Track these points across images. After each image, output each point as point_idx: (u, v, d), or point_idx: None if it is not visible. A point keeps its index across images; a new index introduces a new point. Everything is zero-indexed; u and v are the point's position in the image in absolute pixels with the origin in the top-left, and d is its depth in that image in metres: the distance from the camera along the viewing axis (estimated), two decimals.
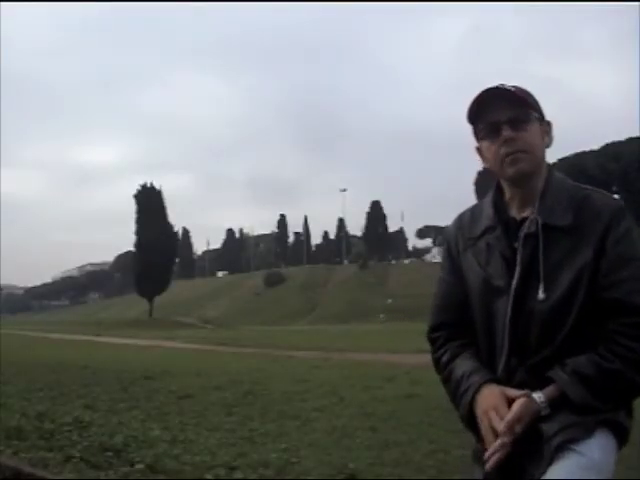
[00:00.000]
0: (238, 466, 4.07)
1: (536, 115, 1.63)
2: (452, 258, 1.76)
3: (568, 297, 1.53)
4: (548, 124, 1.67)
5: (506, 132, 1.59)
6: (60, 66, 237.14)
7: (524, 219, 1.62)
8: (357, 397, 7.46)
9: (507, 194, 1.68)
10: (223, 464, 4.08)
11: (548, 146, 1.66)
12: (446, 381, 1.70)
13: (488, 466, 1.49)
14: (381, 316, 58.17)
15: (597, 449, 1.47)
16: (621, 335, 1.48)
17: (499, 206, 1.69)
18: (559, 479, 1.43)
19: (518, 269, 1.59)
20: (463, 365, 1.65)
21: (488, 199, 1.73)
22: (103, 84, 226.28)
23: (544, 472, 1.45)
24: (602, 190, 1.65)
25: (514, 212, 1.66)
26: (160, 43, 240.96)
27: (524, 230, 1.60)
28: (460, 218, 1.79)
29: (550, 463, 1.45)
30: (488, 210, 1.70)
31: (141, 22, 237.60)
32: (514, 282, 1.58)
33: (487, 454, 1.50)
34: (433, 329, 1.78)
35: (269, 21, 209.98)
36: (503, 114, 1.59)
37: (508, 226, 1.65)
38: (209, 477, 3.81)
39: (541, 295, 1.55)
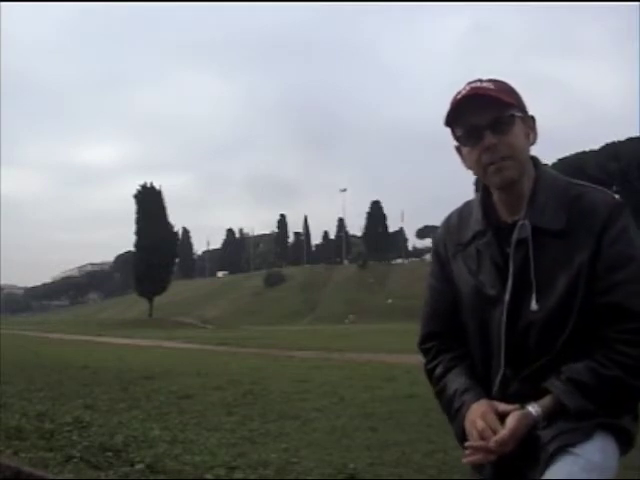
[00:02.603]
0: (238, 466, 4.06)
1: (519, 113, 1.51)
2: (441, 264, 1.67)
3: (565, 303, 1.46)
4: (532, 119, 1.56)
5: (488, 138, 1.47)
6: (60, 66, 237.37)
7: (515, 222, 1.52)
8: (357, 397, 7.44)
9: (495, 196, 1.58)
10: (223, 464, 4.08)
11: (533, 143, 1.56)
12: (439, 395, 1.65)
13: (464, 460, 1.46)
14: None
15: (596, 451, 1.41)
16: (618, 341, 1.42)
17: (488, 209, 1.59)
18: (558, 479, 1.38)
19: (511, 277, 1.51)
20: (456, 381, 1.59)
21: (476, 201, 1.63)
22: (103, 84, 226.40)
23: (542, 475, 1.41)
24: (598, 186, 1.55)
25: (504, 215, 1.56)
26: (159, 43, 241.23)
27: (515, 236, 1.50)
28: (448, 220, 1.70)
29: (547, 467, 1.41)
30: (477, 213, 1.60)
31: (140, 21, 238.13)
32: (507, 291, 1.51)
33: (467, 448, 1.45)
34: (424, 339, 1.71)
35: (268, 20, 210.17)
36: (483, 118, 1.48)
37: (499, 230, 1.55)
38: (209, 477, 3.80)
39: (534, 306, 1.48)
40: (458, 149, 1.59)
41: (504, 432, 1.41)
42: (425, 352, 1.71)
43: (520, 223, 1.51)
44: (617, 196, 1.61)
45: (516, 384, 1.51)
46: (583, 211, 1.48)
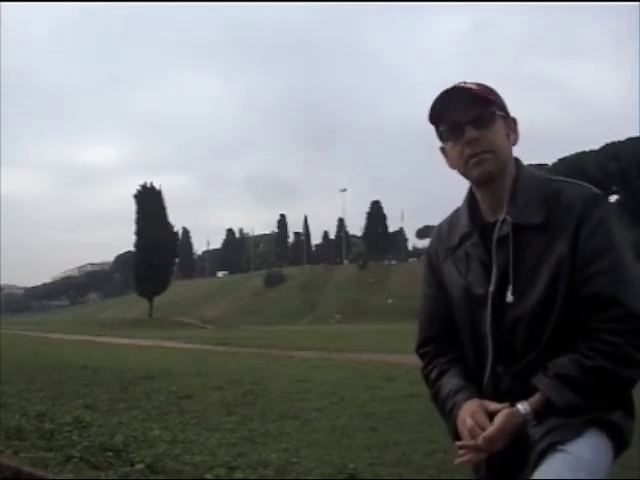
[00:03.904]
0: (238, 466, 4.06)
1: (500, 113, 1.56)
2: (433, 270, 1.71)
3: (547, 298, 1.47)
4: (514, 121, 1.60)
5: (469, 133, 1.52)
6: (60, 66, 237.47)
7: (497, 222, 1.55)
8: (357, 397, 7.45)
9: (478, 197, 1.62)
10: (223, 464, 4.08)
11: (514, 144, 1.60)
12: (435, 397, 1.67)
13: (456, 461, 1.46)
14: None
15: (587, 448, 1.40)
16: (601, 330, 1.41)
17: (474, 211, 1.63)
18: (546, 479, 1.37)
19: (494, 274, 1.53)
20: (450, 383, 1.61)
21: (463, 205, 1.67)
22: (103, 84, 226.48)
23: (532, 474, 1.40)
24: (577, 181, 1.57)
25: (488, 215, 1.60)
26: (159, 43, 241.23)
27: (496, 233, 1.54)
28: (439, 229, 1.75)
29: (537, 465, 1.40)
30: (464, 216, 1.64)
31: (140, 21, 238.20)
32: (491, 288, 1.53)
33: (459, 449, 1.45)
34: (421, 345, 1.74)
35: (268, 20, 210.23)
36: (465, 114, 1.53)
37: (484, 231, 1.58)
38: (209, 477, 3.81)
39: (509, 297, 1.50)
40: (443, 150, 1.63)
41: (491, 429, 1.42)
42: (422, 357, 1.74)
43: (501, 220, 1.54)
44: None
45: (508, 382, 1.52)
46: (561, 206, 1.50)
